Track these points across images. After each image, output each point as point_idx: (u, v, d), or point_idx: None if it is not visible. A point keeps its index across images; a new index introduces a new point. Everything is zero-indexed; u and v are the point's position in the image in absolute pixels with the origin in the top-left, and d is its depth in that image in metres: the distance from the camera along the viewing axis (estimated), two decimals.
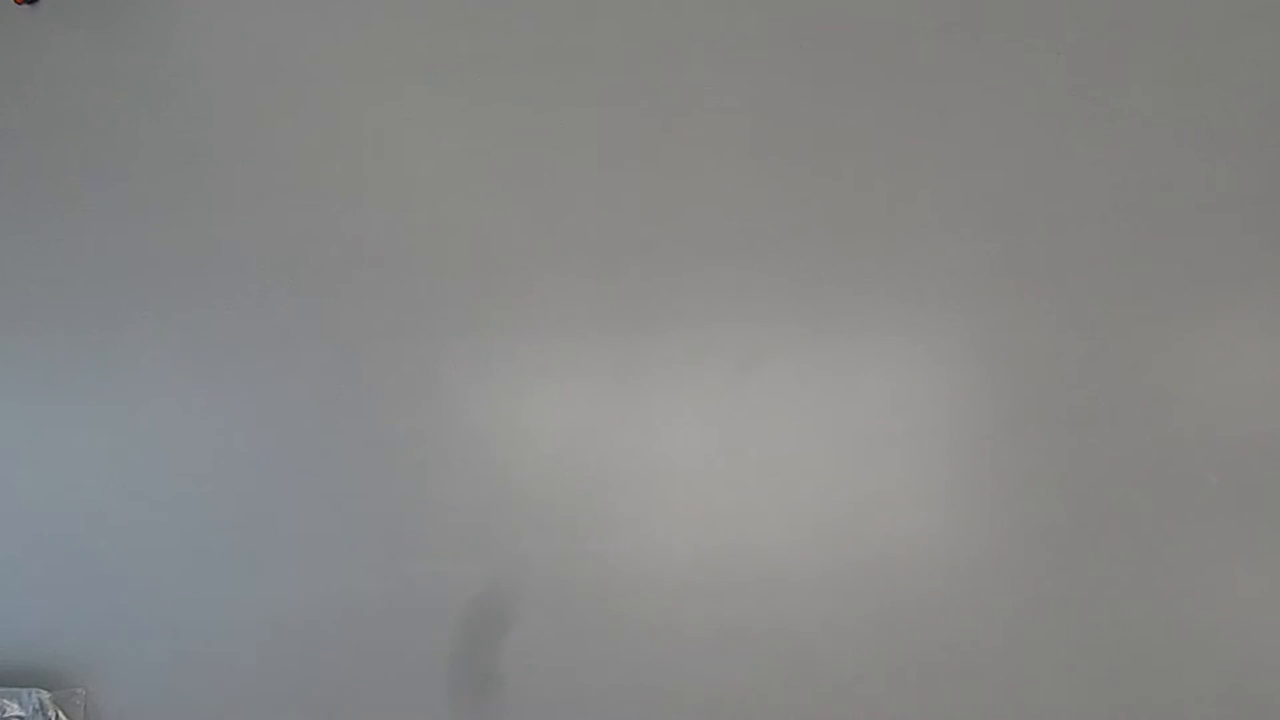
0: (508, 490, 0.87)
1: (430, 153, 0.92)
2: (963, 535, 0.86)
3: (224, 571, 0.87)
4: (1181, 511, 0.85)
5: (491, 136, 0.91)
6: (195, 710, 0.86)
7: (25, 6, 0.95)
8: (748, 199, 0.89)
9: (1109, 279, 0.87)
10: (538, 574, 0.85)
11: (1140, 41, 0.90)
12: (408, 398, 0.88)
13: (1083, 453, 0.86)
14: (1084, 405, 0.86)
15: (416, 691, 0.84)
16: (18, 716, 0.83)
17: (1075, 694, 0.84)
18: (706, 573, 0.86)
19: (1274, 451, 0.85)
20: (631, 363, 0.88)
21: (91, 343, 0.91)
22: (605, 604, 0.86)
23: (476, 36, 0.93)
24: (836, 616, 0.84)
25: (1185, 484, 0.85)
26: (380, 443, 0.88)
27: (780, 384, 0.88)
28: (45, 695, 0.84)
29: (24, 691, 0.83)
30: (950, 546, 0.86)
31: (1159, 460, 0.85)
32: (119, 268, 0.91)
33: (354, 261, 0.90)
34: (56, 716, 0.83)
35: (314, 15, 0.94)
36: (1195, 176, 0.88)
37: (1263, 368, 0.86)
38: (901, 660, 0.84)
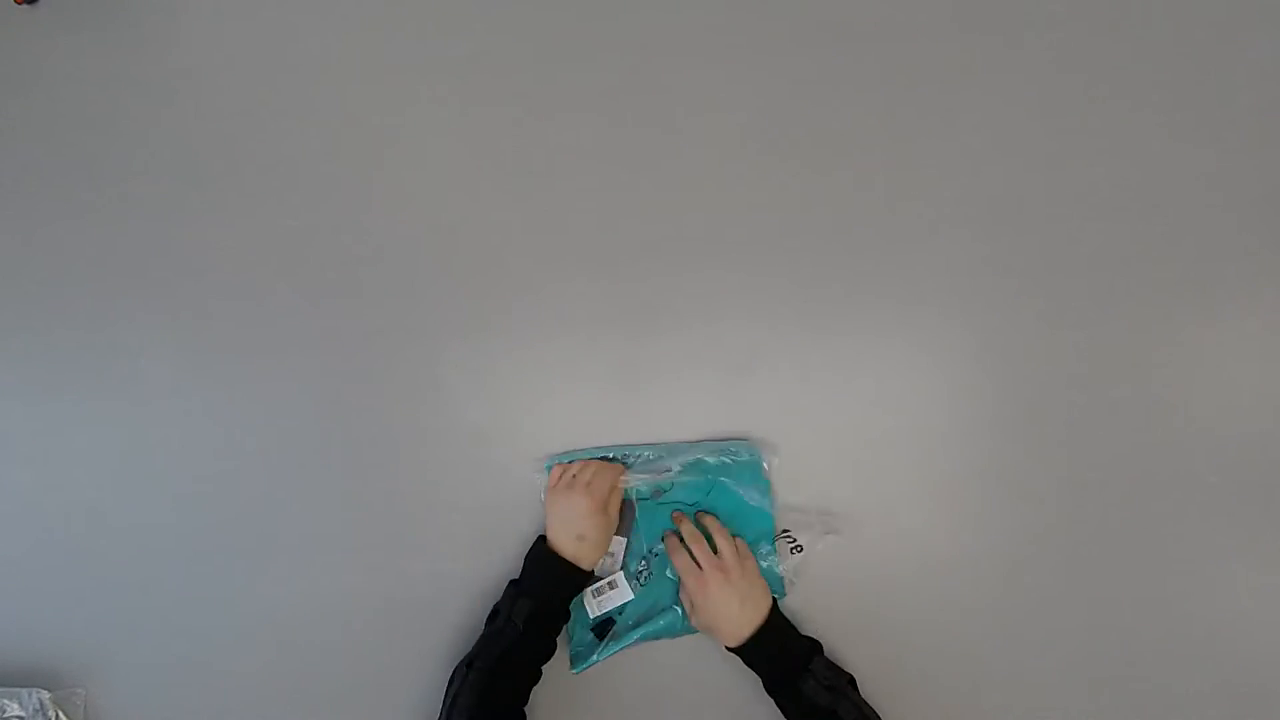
0: (508, 490, 0.87)
1: (431, 153, 0.92)
2: (963, 535, 0.86)
3: (224, 572, 0.87)
4: (1181, 511, 0.85)
5: (492, 137, 0.91)
6: (195, 710, 0.86)
7: (25, 6, 0.95)
8: (747, 199, 0.89)
9: (1109, 279, 0.87)
10: None
11: (1140, 41, 0.90)
12: (408, 398, 0.88)
13: (1083, 453, 0.86)
14: (1084, 405, 0.86)
15: (416, 691, 0.84)
16: (18, 716, 0.83)
17: (1075, 693, 0.84)
18: None
19: (1274, 451, 0.85)
20: (631, 363, 0.88)
21: (91, 343, 0.91)
22: None
23: (477, 37, 0.93)
24: (837, 617, 0.84)
25: (1185, 484, 0.85)
26: (380, 443, 0.88)
27: (780, 384, 0.88)
28: (45, 695, 0.83)
29: (24, 691, 0.83)
30: (950, 546, 0.86)
31: (1159, 460, 0.85)
32: (119, 268, 0.91)
33: (355, 261, 0.90)
34: (56, 716, 0.83)
35: (315, 16, 0.94)
36: (1195, 176, 0.88)
37: (1263, 368, 0.86)
38: (900, 660, 0.84)
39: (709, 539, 0.82)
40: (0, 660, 0.87)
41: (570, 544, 0.79)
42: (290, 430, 0.89)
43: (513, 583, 0.80)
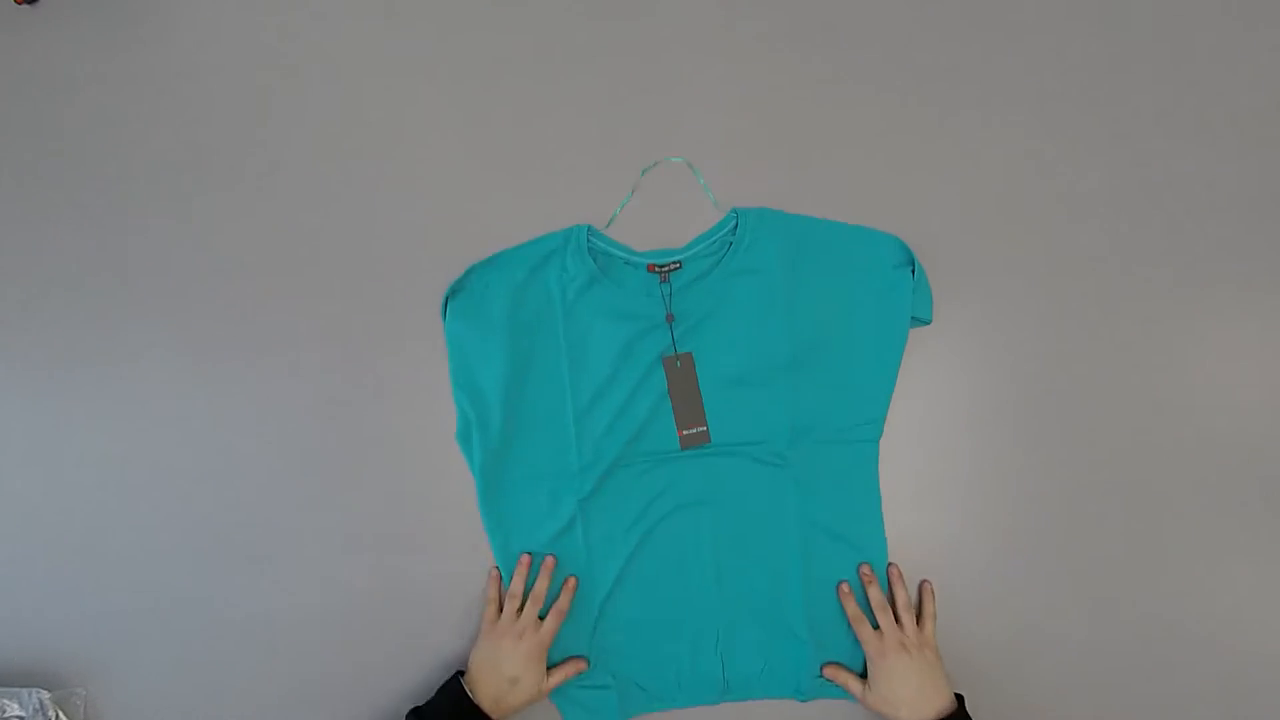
0: None
1: (432, 152, 0.92)
2: (962, 535, 0.86)
3: (224, 572, 0.87)
4: (1181, 511, 0.85)
5: (494, 136, 0.91)
6: (195, 710, 0.86)
7: (25, 6, 0.95)
8: (747, 199, 0.89)
9: (1109, 279, 0.87)
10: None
11: (1140, 41, 0.90)
12: (408, 397, 0.88)
13: (1083, 453, 0.86)
14: (1084, 405, 0.86)
15: (416, 692, 0.84)
16: (18, 716, 0.83)
17: (1075, 693, 0.84)
18: None
19: (1274, 451, 0.85)
20: None
21: (91, 343, 0.91)
22: None
23: (477, 35, 0.93)
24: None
25: (1185, 484, 0.85)
26: (381, 443, 0.88)
27: None
28: (45, 695, 0.83)
29: (24, 691, 0.83)
30: (950, 546, 0.86)
31: (1159, 460, 0.85)
32: (119, 268, 0.91)
33: (355, 261, 0.90)
34: (56, 716, 0.83)
35: (315, 15, 0.94)
36: (1195, 176, 0.88)
37: (1263, 368, 0.86)
38: None
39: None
40: (0, 660, 0.87)
41: (493, 688, 0.76)
42: (290, 430, 0.89)
43: (415, 711, 0.76)
